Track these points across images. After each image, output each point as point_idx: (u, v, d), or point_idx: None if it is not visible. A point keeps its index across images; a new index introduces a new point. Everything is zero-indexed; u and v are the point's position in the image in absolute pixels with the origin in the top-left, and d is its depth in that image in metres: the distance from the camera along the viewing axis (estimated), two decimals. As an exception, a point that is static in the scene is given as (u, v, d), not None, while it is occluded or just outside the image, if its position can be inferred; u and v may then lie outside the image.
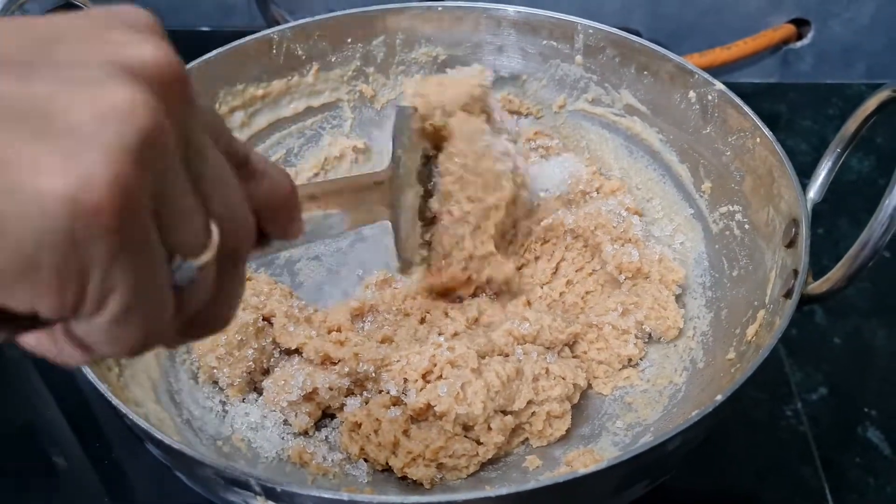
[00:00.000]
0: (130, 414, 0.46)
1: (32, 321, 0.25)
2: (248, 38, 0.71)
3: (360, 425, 0.58)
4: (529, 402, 0.58)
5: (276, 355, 0.62)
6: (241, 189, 0.29)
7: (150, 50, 0.24)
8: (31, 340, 0.27)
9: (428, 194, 0.58)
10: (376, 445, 0.57)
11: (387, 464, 0.57)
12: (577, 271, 0.68)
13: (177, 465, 0.49)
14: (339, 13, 0.73)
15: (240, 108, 0.72)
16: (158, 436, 0.45)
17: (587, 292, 0.67)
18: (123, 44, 0.24)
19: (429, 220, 0.59)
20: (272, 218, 0.32)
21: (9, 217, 0.21)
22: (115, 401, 0.47)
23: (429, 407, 0.56)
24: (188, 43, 0.88)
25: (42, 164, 0.21)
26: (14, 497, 0.61)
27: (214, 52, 0.69)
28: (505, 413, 0.58)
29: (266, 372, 0.61)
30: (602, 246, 0.66)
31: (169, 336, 0.28)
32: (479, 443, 0.57)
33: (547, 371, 0.59)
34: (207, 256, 0.27)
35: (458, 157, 0.59)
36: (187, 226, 0.26)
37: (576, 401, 0.60)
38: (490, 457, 0.57)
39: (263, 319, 0.62)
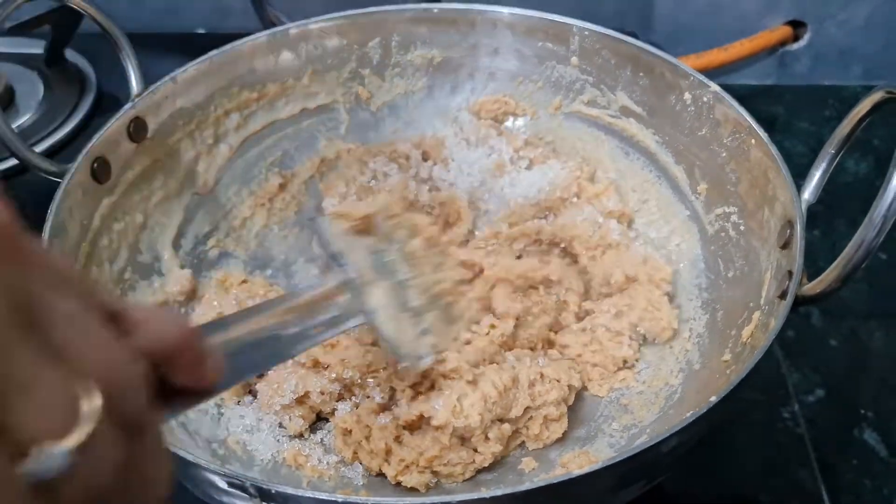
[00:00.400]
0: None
1: None
2: (243, 39, 0.71)
3: (351, 432, 0.57)
4: (527, 409, 0.57)
5: None
6: (113, 340, 0.24)
7: None
8: None
9: (399, 286, 0.55)
10: (368, 452, 0.56)
11: (380, 470, 0.56)
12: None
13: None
14: (334, 15, 0.73)
15: (235, 111, 0.72)
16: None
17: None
18: None
19: (417, 310, 0.55)
20: (173, 368, 0.28)
21: None
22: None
23: (421, 418, 0.56)
24: (184, 45, 0.89)
25: None
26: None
27: (210, 54, 0.69)
28: (502, 421, 0.57)
29: (261, 375, 0.61)
30: (580, 258, 0.66)
31: None
32: (475, 451, 0.57)
33: (542, 375, 0.59)
34: (77, 436, 0.21)
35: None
36: (35, 402, 0.20)
37: (571, 402, 0.60)
38: (487, 464, 0.57)
39: None
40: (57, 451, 0.21)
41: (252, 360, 0.39)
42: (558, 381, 0.59)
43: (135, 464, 0.24)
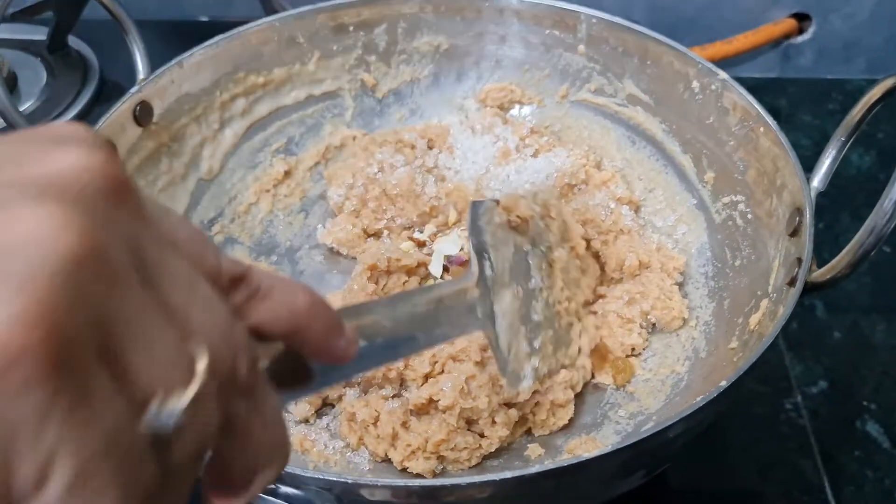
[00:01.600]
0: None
1: None
2: (249, 25, 0.71)
3: (356, 416, 0.57)
4: (535, 392, 0.57)
5: None
6: (220, 303, 0.24)
7: (77, 160, 0.20)
8: None
9: (529, 294, 0.51)
10: (375, 437, 0.56)
11: (386, 455, 0.56)
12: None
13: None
14: (340, 1, 0.73)
15: (241, 96, 0.72)
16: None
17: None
18: (44, 159, 0.20)
19: (536, 325, 0.50)
20: (303, 338, 0.27)
21: None
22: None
23: (431, 401, 0.56)
24: (188, 33, 0.89)
25: None
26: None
27: (216, 39, 0.69)
28: (509, 406, 0.57)
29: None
30: (592, 242, 0.66)
31: (176, 495, 0.22)
32: (482, 436, 0.57)
33: None
34: (191, 392, 0.21)
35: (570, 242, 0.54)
36: (150, 351, 0.21)
37: (579, 389, 0.60)
38: (493, 450, 0.57)
39: None
40: (173, 406, 0.21)
41: (383, 351, 0.36)
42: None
43: (246, 428, 0.24)
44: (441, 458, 0.56)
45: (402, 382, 0.58)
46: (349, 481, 0.41)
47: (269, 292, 0.26)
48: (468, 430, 0.56)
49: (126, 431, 0.20)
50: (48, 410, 0.18)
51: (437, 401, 0.55)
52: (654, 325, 0.64)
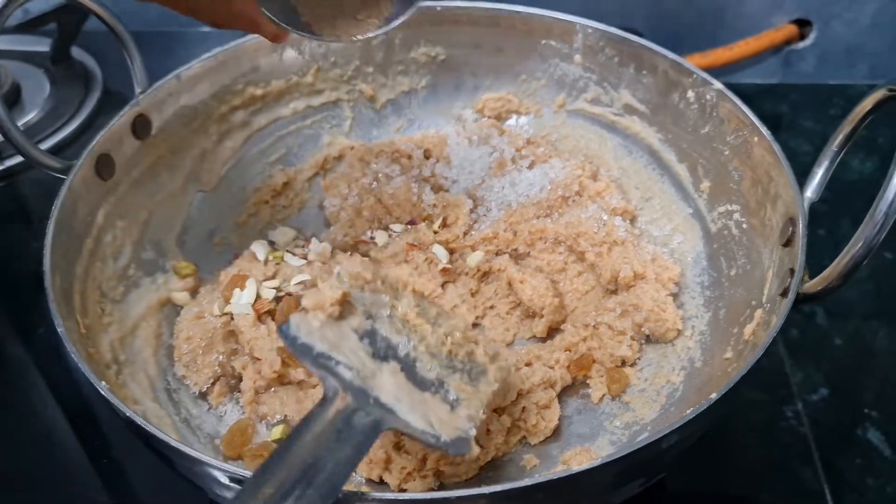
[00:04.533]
0: (132, 415, 0.46)
1: None
2: (248, 37, 0.71)
3: None
4: (519, 395, 0.57)
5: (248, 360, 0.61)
6: None
7: None
8: None
9: (408, 360, 0.48)
10: (367, 463, 0.55)
11: (381, 479, 0.56)
12: (560, 271, 0.68)
13: (175, 464, 0.49)
14: (339, 13, 0.74)
15: (240, 108, 0.72)
16: (158, 435, 0.45)
17: (586, 292, 0.68)
18: None
19: (436, 380, 0.48)
20: None
21: None
22: (115, 401, 0.47)
23: None
24: (189, 42, 0.89)
25: None
26: (15, 495, 0.62)
27: (215, 52, 0.70)
28: (499, 412, 0.58)
29: (240, 378, 0.61)
30: (587, 254, 0.66)
31: None
32: (479, 446, 0.57)
33: (522, 360, 0.60)
34: None
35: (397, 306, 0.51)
36: None
37: (559, 389, 0.60)
38: (489, 459, 0.57)
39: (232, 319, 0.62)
40: None
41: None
42: (538, 357, 0.60)
43: None
44: (439, 474, 0.55)
45: None
46: (341, 494, 0.42)
47: None
48: None
49: None
50: None
51: None
52: (648, 337, 0.64)
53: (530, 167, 0.74)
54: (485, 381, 0.49)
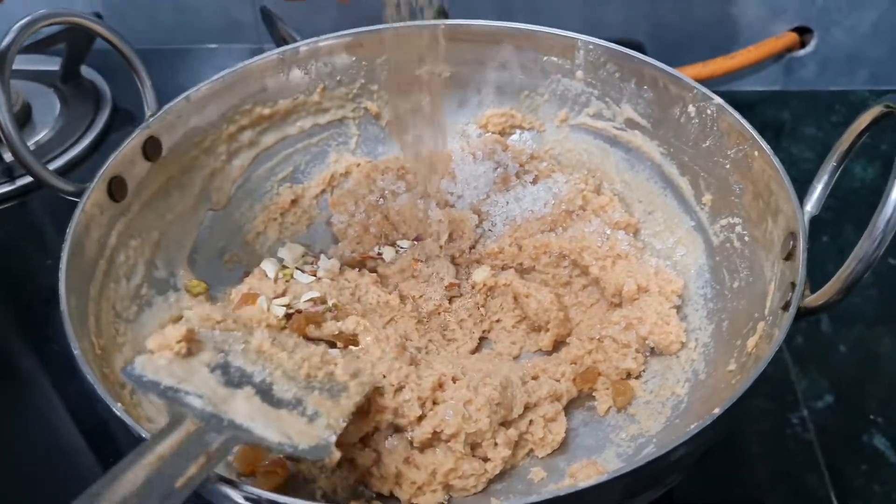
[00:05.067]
0: (143, 432, 0.47)
1: None
2: (255, 58, 0.72)
3: (354, 461, 0.56)
4: (526, 408, 0.58)
5: None
6: None
7: None
8: None
9: (263, 385, 0.51)
10: (378, 479, 0.56)
11: (391, 494, 0.57)
12: (565, 285, 0.69)
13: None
14: (344, 32, 0.75)
15: (248, 128, 0.73)
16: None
17: (590, 305, 0.68)
18: None
19: (293, 399, 0.51)
20: None
21: None
22: (130, 421, 0.48)
23: (435, 433, 0.56)
24: (196, 60, 0.90)
25: None
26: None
27: (222, 73, 0.70)
28: (506, 426, 0.59)
29: None
30: (591, 268, 0.67)
31: None
32: (486, 460, 0.58)
33: (529, 373, 0.61)
34: None
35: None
36: None
37: (565, 402, 0.61)
38: (497, 472, 0.58)
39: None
40: None
41: None
42: (544, 371, 0.61)
43: None
44: (448, 488, 0.56)
45: (397, 429, 0.58)
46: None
47: None
48: (473, 455, 0.57)
49: None
50: None
51: (441, 431, 0.56)
52: (652, 349, 0.65)
53: (534, 182, 0.75)
54: (346, 395, 0.53)
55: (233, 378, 0.50)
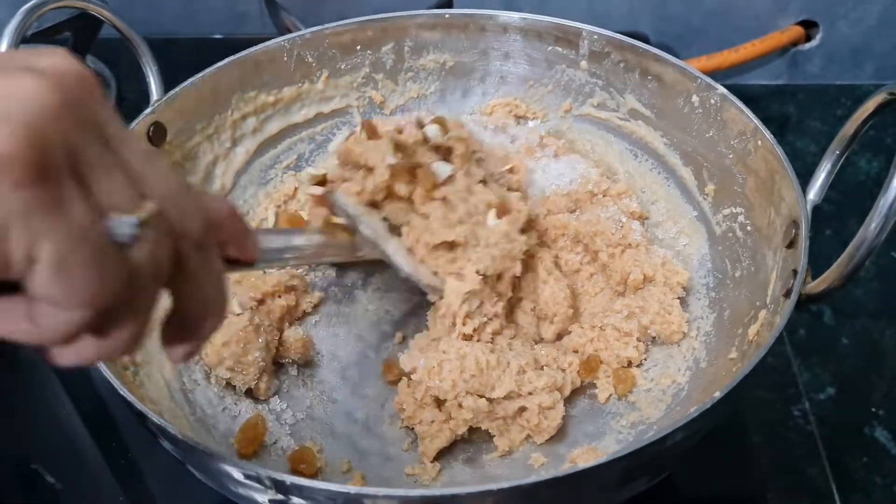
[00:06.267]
0: (147, 411, 0.47)
1: None
2: (260, 46, 0.72)
3: None
4: (511, 395, 0.58)
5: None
6: (178, 175, 0.34)
7: (61, 60, 0.30)
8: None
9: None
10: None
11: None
12: (575, 272, 0.69)
13: (190, 461, 0.50)
14: (348, 21, 0.75)
15: (252, 115, 0.74)
16: (173, 432, 0.46)
17: (595, 294, 0.68)
18: (34, 58, 0.30)
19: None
20: (223, 236, 0.37)
21: None
22: (131, 398, 0.48)
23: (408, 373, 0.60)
24: (201, 50, 0.90)
25: None
26: (32, 496, 0.63)
27: (227, 60, 0.70)
28: (483, 398, 0.59)
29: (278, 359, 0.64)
30: (600, 254, 0.67)
31: (143, 308, 0.31)
32: (450, 417, 0.59)
33: (535, 361, 0.61)
34: (141, 215, 0.30)
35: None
36: (110, 183, 0.29)
37: (567, 393, 0.61)
38: (461, 432, 0.59)
39: (258, 303, 0.64)
40: (126, 220, 0.29)
41: (282, 256, 0.53)
42: (547, 365, 0.61)
43: (196, 274, 0.34)
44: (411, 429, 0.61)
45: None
46: (352, 492, 0.43)
47: (208, 197, 0.36)
48: (436, 406, 0.60)
49: (92, 230, 0.28)
50: (32, 205, 0.27)
51: (412, 371, 0.60)
52: (654, 338, 0.65)
53: (555, 156, 0.75)
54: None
55: (395, 230, 0.62)
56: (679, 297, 0.65)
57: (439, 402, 0.59)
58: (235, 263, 0.40)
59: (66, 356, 0.31)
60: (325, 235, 0.59)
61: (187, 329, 0.36)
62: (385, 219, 0.62)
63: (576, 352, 0.64)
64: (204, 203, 0.35)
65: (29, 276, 0.28)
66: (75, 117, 0.28)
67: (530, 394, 0.58)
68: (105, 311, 0.30)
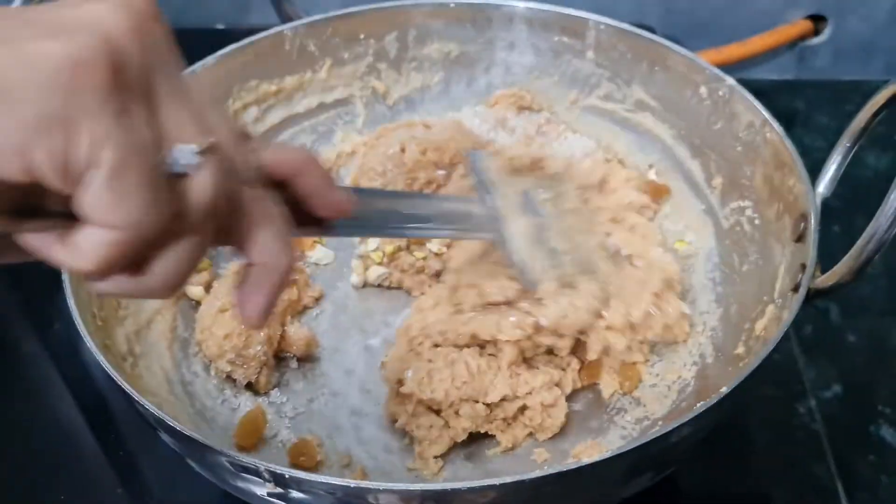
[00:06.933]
0: (146, 403, 0.47)
1: (37, 212, 0.29)
2: (261, 34, 0.72)
3: None
4: (506, 398, 0.57)
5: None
6: (233, 122, 0.33)
7: None
8: (36, 241, 0.30)
9: (541, 226, 0.58)
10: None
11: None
12: None
13: (189, 454, 0.50)
14: (351, 10, 0.74)
15: (253, 104, 0.73)
16: (172, 424, 0.46)
17: None
18: None
19: (554, 249, 0.58)
20: (301, 184, 0.36)
21: (18, 79, 0.26)
22: (129, 389, 0.48)
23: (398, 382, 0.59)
24: (204, 40, 0.90)
25: (47, 42, 0.27)
26: (30, 488, 0.63)
27: (229, 48, 0.70)
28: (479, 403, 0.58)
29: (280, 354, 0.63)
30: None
31: (189, 249, 0.31)
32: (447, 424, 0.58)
33: (531, 360, 0.60)
34: (201, 146, 0.30)
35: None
36: (175, 113, 0.30)
37: (568, 391, 0.60)
38: (461, 439, 0.58)
39: None
40: (185, 149, 0.29)
41: (375, 221, 0.45)
42: (544, 365, 0.60)
43: (251, 220, 0.33)
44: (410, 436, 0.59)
45: None
46: (352, 486, 0.42)
47: (275, 146, 0.35)
48: (432, 413, 0.58)
49: (153, 152, 0.29)
50: (106, 108, 0.27)
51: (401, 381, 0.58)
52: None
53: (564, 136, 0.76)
54: (587, 278, 0.58)
55: (528, 207, 0.57)
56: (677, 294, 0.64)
57: (434, 410, 0.58)
58: (320, 225, 0.37)
59: (104, 285, 0.30)
60: (451, 201, 0.54)
61: (252, 284, 0.34)
62: (530, 192, 0.58)
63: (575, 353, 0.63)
64: (275, 151, 0.35)
65: (83, 183, 0.28)
66: (147, 44, 0.29)
67: (529, 393, 0.58)
68: (148, 241, 0.29)
